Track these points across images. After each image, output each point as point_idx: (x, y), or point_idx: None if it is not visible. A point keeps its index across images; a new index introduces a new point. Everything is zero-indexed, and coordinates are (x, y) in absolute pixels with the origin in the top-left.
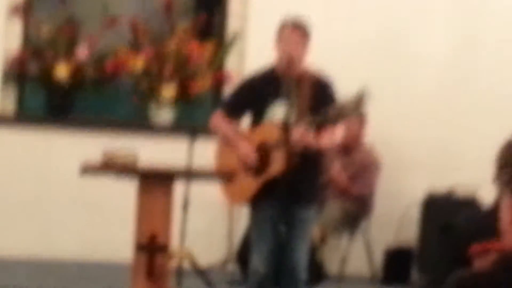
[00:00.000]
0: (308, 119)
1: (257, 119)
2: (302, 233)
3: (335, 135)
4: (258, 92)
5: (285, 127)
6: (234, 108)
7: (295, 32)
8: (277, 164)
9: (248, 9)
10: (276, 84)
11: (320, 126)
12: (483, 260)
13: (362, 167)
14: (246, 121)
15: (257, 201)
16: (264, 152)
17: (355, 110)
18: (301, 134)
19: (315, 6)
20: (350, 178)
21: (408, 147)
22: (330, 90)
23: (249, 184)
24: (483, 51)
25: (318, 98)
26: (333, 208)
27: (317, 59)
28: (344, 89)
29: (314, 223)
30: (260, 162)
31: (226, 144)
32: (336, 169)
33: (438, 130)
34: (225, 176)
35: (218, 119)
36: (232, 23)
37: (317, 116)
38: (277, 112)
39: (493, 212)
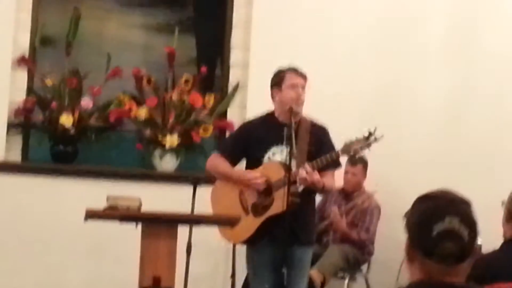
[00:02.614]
0: (316, 161)
1: (255, 163)
2: (300, 273)
3: (334, 180)
4: (256, 137)
5: (288, 168)
6: (231, 152)
7: (299, 77)
8: (279, 203)
9: (249, 60)
10: (275, 130)
11: (320, 170)
12: None
13: (363, 212)
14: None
15: (255, 242)
16: (265, 191)
17: (364, 149)
18: (309, 172)
19: (315, 57)
20: (351, 223)
21: (409, 192)
22: (327, 135)
23: (249, 223)
24: (478, 96)
25: (316, 143)
26: (333, 252)
27: (317, 107)
28: (344, 135)
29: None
30: (262, 200)
31: (227, 180)
32: (336, 214)
33: (438, 176)
34: (228, 223)
35: (214, 159)
36: (234, 74)
37: (324, 158)
38: (277, 156)
39: (499, 255)
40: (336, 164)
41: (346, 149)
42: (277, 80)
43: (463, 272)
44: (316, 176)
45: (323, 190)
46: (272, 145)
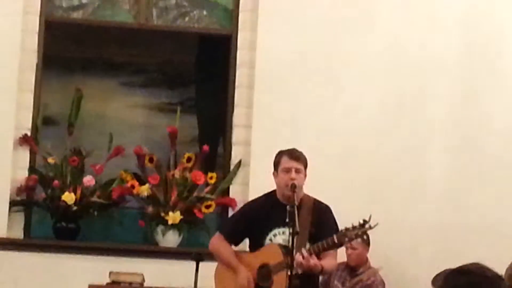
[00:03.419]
0: (313, 246)
1: (257, 245)
2: None
3: (335, 259)
4: (259, 219)
5: (288, 251)
6: (234, 234)
7: (293, 161)
8: (279, 286)
9: (251, 138)
10: (276, 211)
11: (321, 251)
12: None
13: (367, 287)
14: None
15: None
16: (265, 274)
17: (359, 237)
18: (306, 257)
19: (316, 135)
20: None
21: (412, 268)
22: (329, 215)
23: None
24: (480, 170)
25: (318, 223)
26: None
27: (317, 187)
28: (346, 213)
29: None
30: (261, 283)
31: (226, 267)
32: None
33: (441, 251)
34: None
35: (217, 243)
36: (236, 152)
37: (321, 244)
38: (278, 238)
39: None
40: (337, 245)
41: (341, 237)
42: (275, 164)
43: None
44: (313, 261)
45: (322, 273)
46: (274, 227)
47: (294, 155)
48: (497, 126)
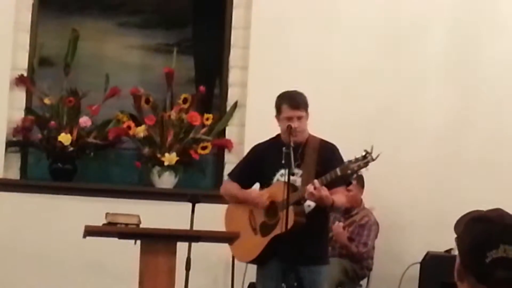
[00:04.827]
0: (320, 178)
1: (266, 187)
2: None
3: (345, 195)
4: (265, 161)
5: (295, 188)
6: (242, 177)
7: (294, 110)
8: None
9: (248, 79)
10: (282, 153)
11: (329, 186)
12: None
13: (361, 227)
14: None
15: (265, 260)
16: (272, 211)
17: (362, 168)
18: (317, 187)
19: (313, 75)
20: (348, 238)
21: (407, 209)
22: (335, 153)
23: (257, 243)
24: (477, 113)
25: (324, 162)
26: (332, 266)
27: (315, 126)
28: (342, 153)
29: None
30: (269, 221)
31: (237, 202)
32: (338, 226)
33: (436, 193)
34: (227, 239)
35: (225, 185)
36: (232, 94)
37: (326, 176)
38: (284, 179)
39: None
40: (345, 180)
41: (344, 169)
42: (276, 108)
43: None
44: (324, 191)
45: (333, 207)
46: (280, 168)
47: (295, 103)
48: (494, 65)
